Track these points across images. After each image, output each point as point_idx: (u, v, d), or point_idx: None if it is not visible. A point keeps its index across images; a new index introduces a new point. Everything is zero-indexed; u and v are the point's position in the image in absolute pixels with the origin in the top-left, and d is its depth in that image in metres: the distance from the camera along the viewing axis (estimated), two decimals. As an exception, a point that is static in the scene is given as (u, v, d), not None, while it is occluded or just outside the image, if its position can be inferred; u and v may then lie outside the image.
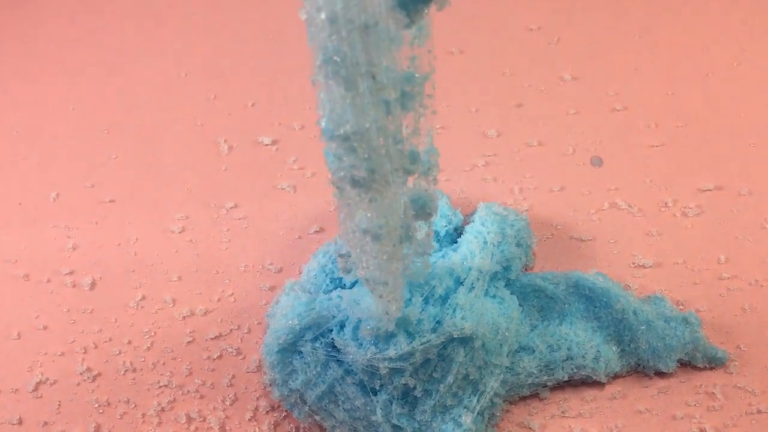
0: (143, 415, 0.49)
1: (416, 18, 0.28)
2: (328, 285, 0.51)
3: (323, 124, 0.30)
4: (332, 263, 0.52)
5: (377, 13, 0.25)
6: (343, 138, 0.29)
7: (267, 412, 0.49)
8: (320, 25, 0.26)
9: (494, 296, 0.49)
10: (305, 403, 0.47)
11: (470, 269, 0.48)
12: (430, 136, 0.33)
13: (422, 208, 0.35)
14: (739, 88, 0.61)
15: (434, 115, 0.32)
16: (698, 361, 0.49)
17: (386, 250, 0.34)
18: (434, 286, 0.46)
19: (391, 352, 0.44)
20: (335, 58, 0.26)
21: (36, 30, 0.69)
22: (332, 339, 0.47)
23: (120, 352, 0.52)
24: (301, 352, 0.47)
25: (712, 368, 0.50)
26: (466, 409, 0.46)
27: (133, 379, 0.51)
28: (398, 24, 0.26)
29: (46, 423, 0.49)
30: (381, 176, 0.31)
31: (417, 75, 0.29)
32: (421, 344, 0.44)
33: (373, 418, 0.46)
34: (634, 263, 0.54)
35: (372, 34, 0.25)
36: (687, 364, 0.50)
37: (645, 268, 0.53)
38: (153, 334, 0.52)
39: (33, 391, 0.51)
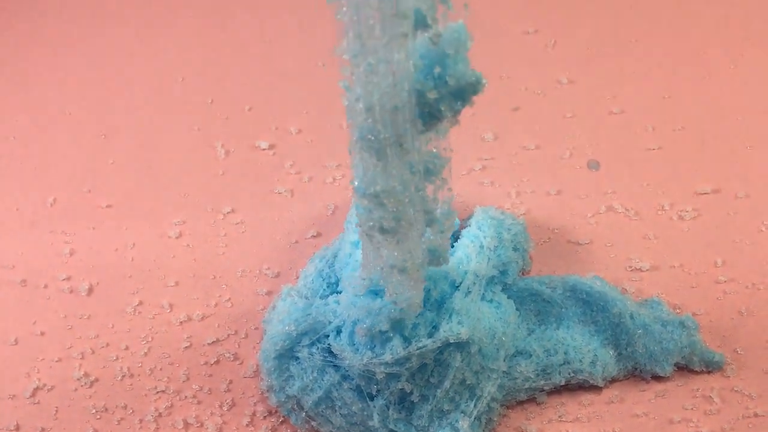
0: (141, 420, 0.50)
1: (431, 128, 0.33)
2: (325, 290, 0.51)
3: (356, 183, 0.34)
4: (329, 268, 0.52)
5: (406, 102, 0.30)
6: (373, 195, 0.34)
7: (264, 417, 0.49)
8: (358, 111, 0.30)
9: (491, 301, 0.49)
10: (302, 408, 0.47)
11: (466, 273, 0.48)
12: (447, 203, 0.37)
13: (435, 258, 0.40)
14: (736, 92, 0.61)
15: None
16: (695, 364, 0.49)
17: (412, 278, 0.38)
18: (430, 291, 0.46)
19: (387, 357, 0.44)
20: (369, 136, 0.31)
21: (32, 35, 0.69)
22: (329, 344, 0.47)
23: (117, 358, 0.52)
24: (297, 358, 0.47)
25: (709, 372, 0.49)
26: (463, 414, 0.46)
27: (131, 384, 0.51)
28: (417, 129, 0.31)
29: (43, 429, 0.49)
30: (407, 222, 0.35)
31: (439, 156, 0.35)
32: (417, 349, 0.44)
33: (370, 423, 0.46)
34: (631, 267, 0.54)
35: (401, 115, 0.30)
36: (684, 368, 0.49)
37: (642, 271, 0.53)
38: (150, 339, 0.52)
39: (30, 397, 0.51)
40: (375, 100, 0.30)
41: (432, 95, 0.30)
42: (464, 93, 0.31)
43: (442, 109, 0.31)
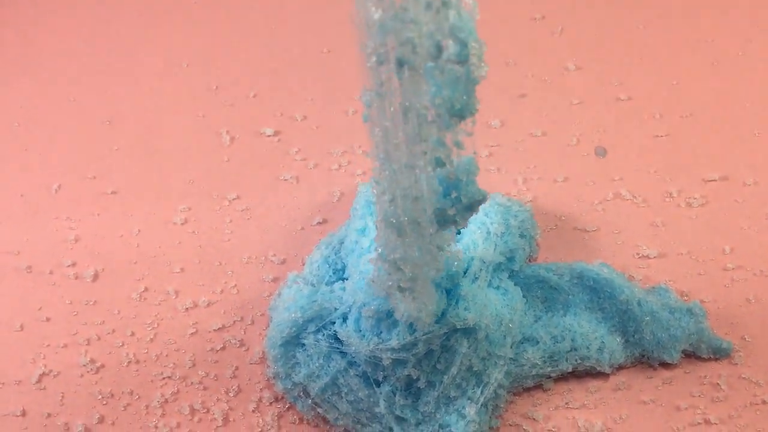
0: (147, 406, 0.49)
1: (444, 228, 0.38)
2: (331, 276, 0.51)
3: (380, 250, 0.39)
4: (335, 254, 0.52)
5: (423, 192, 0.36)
6: (393, 261, 0.39)
7: (270, 403, 0.49)
8: (383, 200, 0.37)
9: (498, 287, 0.49)
10: (308, 395, 0.47)
11: (473, 259, 0.48)
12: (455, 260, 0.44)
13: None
14: (744, 78, 0.61)
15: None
16: (703, 351, 0.49)
17: (426, 321, 0.43)
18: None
19: (394, 343, 0.44)
20: (392, 219, 0.37)
21: (36, 22, 0.68)
22: (335, 331, 0.47)
23: (123, 344, 0.52)
24: (303, 345, 0.47)
25: (716, 359, 0.49)
26: (469, 401, 0.46)
27: (137, 370, 0.51)
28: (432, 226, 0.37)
29: (49, 414, 0.49)
30: (422, 281, 0.40)
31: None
32: (423, 335, 0.44)
33: (377, 409, 0.46)
34: (638, 254, 0.54)
35: (419, 203, 0.36)
36: (691, 355, 0.49)
37: (649, 258, 0.53)
38: (156, 325, 0.52)
39: (36, 382, 0.51)
40: (398, 194, 0.36)
41: (451, 212, 0.37)
42: (473, 206, 0.37)
43: (457, 219, 0.37)
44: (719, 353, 0.49)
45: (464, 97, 0.33)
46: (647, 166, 0.57)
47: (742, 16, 0.64)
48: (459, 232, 0.52)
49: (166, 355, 0.51)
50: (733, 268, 0.53)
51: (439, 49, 0.31)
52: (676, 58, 0.63)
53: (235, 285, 0.54)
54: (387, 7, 0.30)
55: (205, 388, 0.50)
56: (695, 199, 0.55)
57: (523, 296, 0.50)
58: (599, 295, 0.50)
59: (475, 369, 0.46)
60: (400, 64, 0.31)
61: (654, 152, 0.58)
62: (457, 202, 0.37)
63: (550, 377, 0.49)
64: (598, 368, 0.49)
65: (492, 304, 0.47)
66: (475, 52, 0.32)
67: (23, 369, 0.51)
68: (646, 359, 0.49)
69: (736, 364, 0.49)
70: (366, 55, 0.32)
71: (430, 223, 0.37)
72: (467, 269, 0.48)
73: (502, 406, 0.48)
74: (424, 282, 0.40)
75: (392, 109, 0.33)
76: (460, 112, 0.34)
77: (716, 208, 0.55)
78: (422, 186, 0.35)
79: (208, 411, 0.49)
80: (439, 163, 0.35)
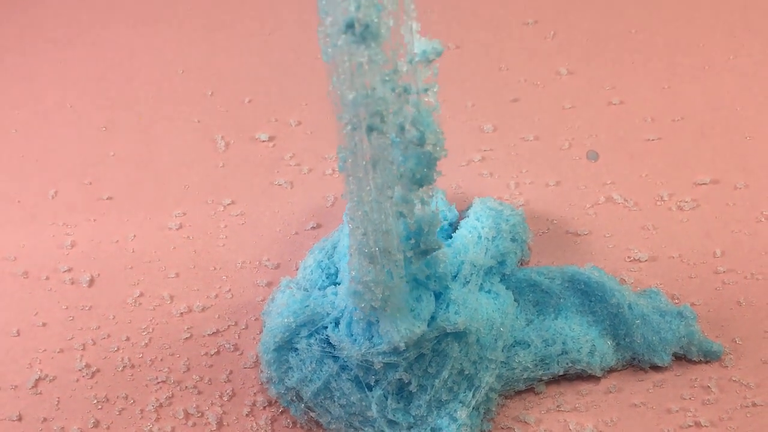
0: (141, 410, 0.50)
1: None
2: (324, 281, 0.51)
3: (353, 273, 0.42)
4: (328, 259, 0.52)
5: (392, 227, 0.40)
6: (365, 284, 0.42)
7: (264, 407, 0.50)
8: (357, 234, 0.40)
9: (489, 291, 0.49)
10: (302, 399, 0.48)
11: (463, 263, 0.48)
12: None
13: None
14: (735, 82, 0.61)
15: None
16: (693, 354, 0.49)
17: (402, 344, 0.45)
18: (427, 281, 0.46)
19: (384, 346, 0.44)
20: (365, 249, 0.41)
21: (33, 29, 0.69)
22: (327, 336, 0.47)
23: (118, 349, 0.52)
24: (296, 349, 0.48)
25: (707, 362, 0.50)
26: (461, 404, 0.46)
27: (132, 375, 0.51)
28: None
29: (45, 419, 0.50)
30: (393, 303, 0.43)
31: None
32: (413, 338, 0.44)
33: (369, 413, 0.46)
34: (629, 257, 0.54)
35: (389, 236, 0.40)
36: (682, 358, 0.50)
37: (640, 262, 0.54)
38: (151, 330, 0.53)
39: (32, 387, 0.51)
40: (369, 229, 0.40)
41: (409, 254, 0.43)
42: (428, 253, 0.43)
43: (413, 259, 0.43)
44: (710, 356, 0.49)
45: (425, 170, 0.38)
46: (639, 169, 0.57)
47: (732, 21, 0.65)
48: (450, 236, 0.52)
49: (161, 360, 0.52)
50: (723, 272, 0.53)
51: (402, 129, 0.37)
52: (667, 62, 0.63)
53: (230, 290, 0.54)
54: (359, 88, 0.35)
55: (199, 392, 0.50)
56: (686, 202, 0.56)
57: (515, 300, 0.50)
58: (590, 298, 0.50)
59: (466, 372, 0.46)
60: (370, 130, 0.36)
61: (645, 156, 0.58)
62: (416, 247, 0.42)
63: (541, 380, 0.49)
64: (590, 371, 0.49)
65: (483, 308, 0.47)
66: (432, 141, 0.37)
67: (19, 374, 0.52)
68: (637, 362, 0.50)
69: (727, 366, 0.49)
70: (341, 124, 0.37)
71: (399, 251, 0.41)
72: (457, 273, 0.48)
73: (493, 409, 0.48)
74: (395, 303, 0.43)
75: (363, 163, 0.37)
76: (420, 181, 0.39)
77: (707, 211, 0.55)
78: (391, 222, 0.40)
79: (202, 415, 0.50)
80: (402, 215, 0.40)
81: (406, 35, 0.36)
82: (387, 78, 0.35)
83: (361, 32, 0.34)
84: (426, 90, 0.38)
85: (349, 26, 0.34)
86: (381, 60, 0.35)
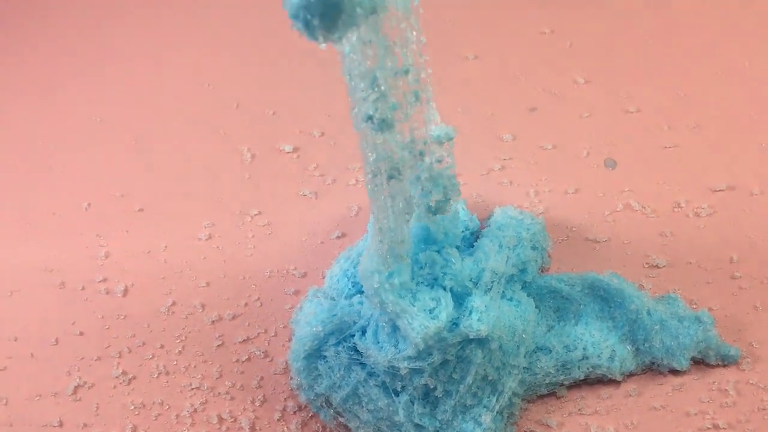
0: (177, 416, 0.52)
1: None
2: (350, 289, 0.53)
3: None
4: (353, 268, 0.54)
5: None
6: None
7: (294, 412, 0.51)
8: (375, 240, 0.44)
9: (511, 299, 0.51)
10: (331, 405, 0.49)
11: (484, 270, 0.49)
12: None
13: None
14: (750, 90, 0.62)
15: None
16: (711, 358, 0.50)
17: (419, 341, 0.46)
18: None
19: (409, 351, 0.45)
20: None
21: (65, 46, 0.71)
22: (354, 343, 0.49)
23: (153, 356, 0.54)
24: (325, 357, 0.49)
25: (724, 366, 0.51)
26: (485, 409, 0.48)
27: (167, 381, 0.53)
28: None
29: (85, 425, 0.52)
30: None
31: None
32: (438, 343, 0.45)
33: (396, 418, 0.48)
34: (647, 263, 0.55)
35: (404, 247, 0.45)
36: (700, 362, 0.51)
37: (658, 268, 0.55)
38: (184, 338, 0.55)
39: (72, 394, 0.53)
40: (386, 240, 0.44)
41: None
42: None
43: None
44: (727, 360, 0.51)
45: (441, 205, 0.44)
46: (656, 177, 0.58)
47: (747, 29, 0.65)
48: (471, 245, 0.54)
49: (195, 367, 0.53)
50: (740, 277, 0.54)
51: (419, 179, 0.43)
52: (683, 70, 0.64)
53: (258, 298, 0.56)
54: (380, 152, 0.40)
55: (232, 398, 0.52)
56: (703, 209, 0.57)
57: (536, 306, 0.51)
58: (610, 304, 0.52)
59: (490, 378, 0.48)
60: (390, 178, 0.41)
61: (662, 163, 0.59)
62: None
63: (563, 385, 0.51)
64: (610, 376, 0.50)
65: (505, 315, 0.49)
66: (447, 189, 0.43)
67: (59, 381, 0.54)
68: (656, 366, 0.51)
69: (744, 370, 0.51)
70: (365, 172, 0.42)
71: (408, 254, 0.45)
72: (479, 280, 0.49)
73: (516, 413, 0.50)
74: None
75: (383, 197, 0.42)
76: (436, 211, 0.44)
77: (723, 217, 0.56)
78: (406, 233, 0.44)
79: (235, 420, 0.51)
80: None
81: (425, 118, 0.41)
82: (404, 146, 0.41)
83: (378, 124, 0.39)
84: (440, 160, 0.42)
85: (369, 118, 0.39)
86: (398, 138, 0.40)
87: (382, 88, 0.38)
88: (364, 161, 0.41)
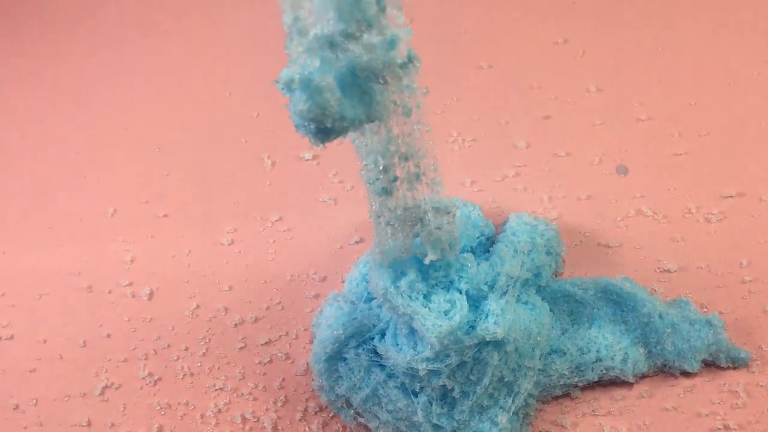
0: (202, 416, 0.53)
1: None
2: (369, 293, 0.54)
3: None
4: (372, 272, 0.55)
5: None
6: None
7: (316, 413, 0.53)
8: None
9: (526, 303, 0.52)
10: (351, 406, 0.51)
11: (499, 275, 0.51)
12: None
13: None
14: (760, 98, 0.63)
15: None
16: (722, 361, 0.51)
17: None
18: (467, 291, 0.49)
19: (428, 353, 0.47)
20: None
21: (89, 56, 0.72)
22: (374, 346, 0.50)
23: (178, 358, 0.56)
24: (345, 359, 0.51)
25: (735, 368, 0.52)
26: (501, 409, 0.49)
27: (191, 382, 0.55)
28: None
29: (113, 424, 0.53)
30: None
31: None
32: (454, 343, 0.47)
33: (415, 418, 0.49)
34: (659, 268, 0.56)
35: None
36: (711, 364, 0.52)
37: (670, 272, 0.56)
38: (208, 340, 0.56)
39: (100, 395, 0.55)
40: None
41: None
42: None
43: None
44: (737, 362, 0.51)
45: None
46: (667, 183, 0.59)
47: (757, 38, 0.66)
48: (487, 251, 0.55)
49: (218, 368, 0.55)
50: (750, 281, 0.55)
51: (417, 235, 0.45)
52: (693, 79, 0.64)
53: (280, 302, 0.57)
54: (386, 213, 0.44)
55: (254, 399, 0.54)
56: (713, 214, 0.58)
57: (551, 310, 0.52)
58: (623, 308, 0.53)
59: (506, 380, 0.49)
60: (388, 224, 0.45)
61: (673, 170, 0.60)
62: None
63: (577, 386, 0.52)
64: (623, 377, 0.51)
65: (521, 319, 0.50)
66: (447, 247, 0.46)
67: (87, 382, 0.55)
68: (667, 369, 0.52)
69: (754, 372, 0.51)
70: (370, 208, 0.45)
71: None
72: (494, 284, 0.51)
73: (532, 414, 0.51)
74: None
75: (383, 232, 0.45)
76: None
77: (733, 223, 0.57)
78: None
79: (258, 420, 0.53)
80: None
81: (429, 188, 0.43)
82: (405, 209, 0.44)
83: (379, 190, 0.43)
84: (440, 227, 0.44)
85: (371, 182, 0.43)
86: (399, 203, 0.43)
87: (382, 167, 0.41)
88: (369, 201, 0.44)
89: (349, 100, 0.37)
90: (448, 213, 0.44)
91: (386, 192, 0.42)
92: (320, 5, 0.35)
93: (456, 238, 0.45)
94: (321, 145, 0.39)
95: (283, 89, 0.38)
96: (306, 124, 0.38)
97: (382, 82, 0.37)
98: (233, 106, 0.68)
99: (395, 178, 0.42)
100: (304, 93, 0.36)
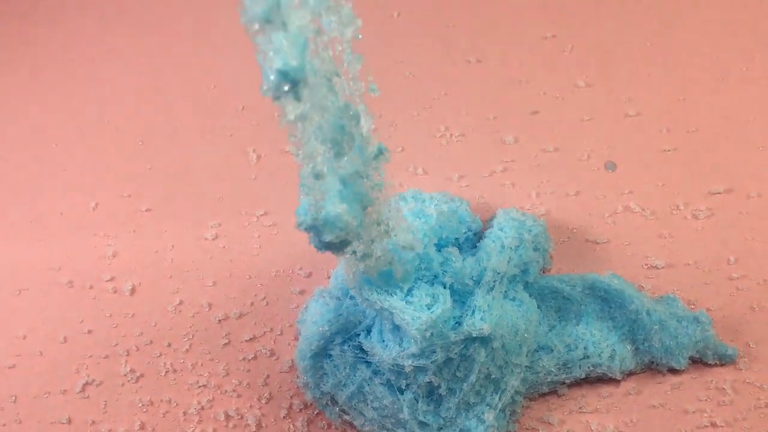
0: (184, 413, 0.53)
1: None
2: (355, 289, 0.54)
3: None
4: (359, 268, 0.55)
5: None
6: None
7: (300, 410, 0.52)
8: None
9: (513, 299, 0.52)
10: (336, 403, 0.50)
11: (485, 270, 0.50)
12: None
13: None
14: (748, 94, 0.63)
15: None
16: (709, 358, 0.51)
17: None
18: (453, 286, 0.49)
19: (413, 349, 0.46)
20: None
21: (71, 47, 0.71)
22: (360, 342, 0.50)
23: (161, 354, 0.55)
24: (331, 356, 0.50)
25: (722, 365, 0.52)
26: (488, 407, 0.49)
27: (174, 379, 0.54)
28: None
29: (94, 422, 0.53)
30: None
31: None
32: (439, 339, 0.46)
33: (401, 415, 0.49)
34: (647, 264, 0.56)
35: None
36: (698, 361, 0.52)
37: (658, 269, 0.56)
38: (191, 336, 0.55)
39: (80, 392, 0.54)
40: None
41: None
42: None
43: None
44: (725, 359, 0.52)
45: None
46: (655, 179, 0.59)
47: (746, 34, 0.66)
48: (474, 246, 0.55)
49: (202, 365, 0.54)
50: (737, 278, 0.55)
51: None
52: (682, 74, 0.64)
53: (265, 297, 0.57)
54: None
55: (238, 396, 0.53)
56: (701, 211, 0.58)
57: (538, 306, 0.52)
58: (610, 305, 0.53)
59: (492, 376, 0.49)
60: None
61: (661, 166, 0.60)
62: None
63: (564, 383, 0.52)
64: (610, 374, 0.51)
65: (508, 315, 0.50)
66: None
67: (68, 379, 0.54)
68: (655, 366, 0.52)
69: (741, 369, 0.52)
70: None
71: None
72: (480, 279, 0.50)
73: (519, 411, 0.51)
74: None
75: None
76: None
77: (721, 219, 0.57)
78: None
79: (242, 417, 0.52)
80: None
81: (396, 229, 0.45)
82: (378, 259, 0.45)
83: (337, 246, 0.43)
84: (405, 264, 0.46)
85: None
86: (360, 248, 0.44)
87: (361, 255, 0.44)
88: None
89: (351, 210, 0.40)
90: (412, 249, 0.45)
91: (366, 257, 0.44)
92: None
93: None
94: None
95: (304, 229, 0.42)
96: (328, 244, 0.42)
97: (365, 177, 0.40)
98: (218, 99, 0.67)
99: (372, 243, 0.44)
100: (327, 227, 0.41)
